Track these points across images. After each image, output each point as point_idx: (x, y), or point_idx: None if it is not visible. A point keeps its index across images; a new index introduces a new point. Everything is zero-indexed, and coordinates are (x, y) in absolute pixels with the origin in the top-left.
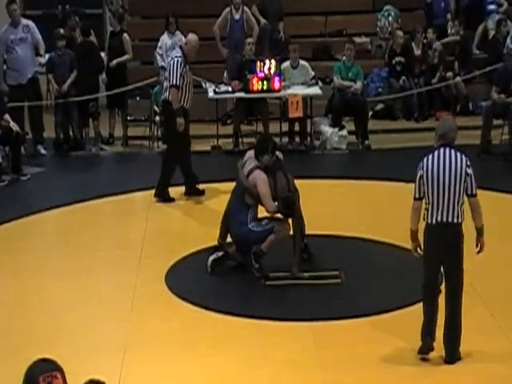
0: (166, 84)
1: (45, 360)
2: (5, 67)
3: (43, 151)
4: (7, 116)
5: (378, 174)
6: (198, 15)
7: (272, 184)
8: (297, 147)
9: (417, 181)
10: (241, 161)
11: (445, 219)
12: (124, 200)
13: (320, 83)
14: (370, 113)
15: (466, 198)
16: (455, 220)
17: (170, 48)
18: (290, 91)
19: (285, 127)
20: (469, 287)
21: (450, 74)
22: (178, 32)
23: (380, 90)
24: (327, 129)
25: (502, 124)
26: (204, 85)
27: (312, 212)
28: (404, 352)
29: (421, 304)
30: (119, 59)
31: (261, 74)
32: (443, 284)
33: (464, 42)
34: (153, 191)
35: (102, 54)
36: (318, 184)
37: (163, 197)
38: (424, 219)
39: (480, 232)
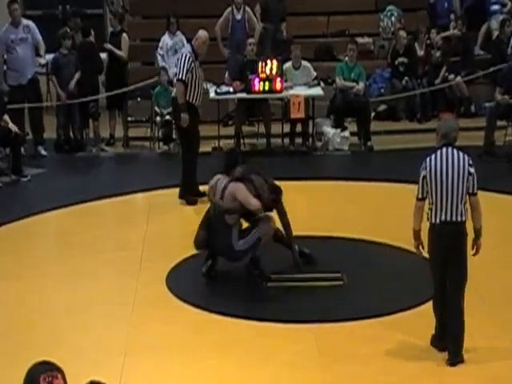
0: (175, 81)
1: (45, 362)
2: (5, 67)
3: (44, 152)
4: (6, 117)
5: (381, 176)
6: (199, 15)
7: (250, 187)
8: (299, 148)
9: (420, 181)
10: (210, 190)
11: (449, 218)
12: (125, 201)
13: (322, 84)
14: (373, 114)
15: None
16: (459, 218)
17: (171, 48)
18: (291, 92)
19: (286, 128)
20: (470, 289)
21: (451, 76)
22: (178, 32)
23: (382, 90)
24: (329, 130)
25: (506, 125)
26: (205, 85)
27: (314, 213)
28: (406, 353)
29: (425, 306)
30: (114, 49)
31: (262, 75)
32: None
33: (465, 41)
34: (154, 192)
35: (103, 55)
36: (319, 185)
37: (186, 198)
38: (427, 219)
39: (478, 233)
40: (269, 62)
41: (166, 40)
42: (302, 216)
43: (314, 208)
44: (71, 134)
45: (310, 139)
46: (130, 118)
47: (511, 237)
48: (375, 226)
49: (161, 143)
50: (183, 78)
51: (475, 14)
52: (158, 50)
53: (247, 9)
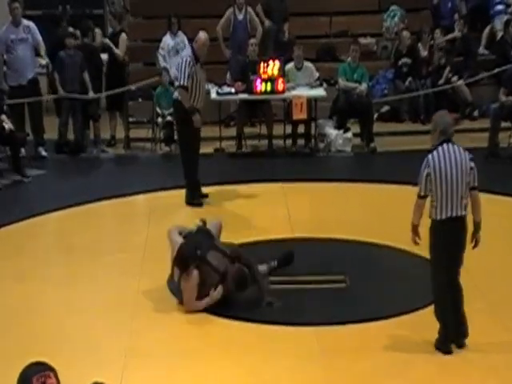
0: (176, 84)
1: (37, 363)
2: (5, 68)
3: (44, 153)
4: (3, 116)
5: (384, 177)
6: (200, 15)
7: (204, 277)
8: (301, 150)
9: (423, 179)
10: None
11: (454, 213)
12: (126, 203)
13: (324, 85)
14: (376, 115)
15: None
16: (463, 213)
17: (173, 49)
18: (294, 93)
19: (288, 129)
20: (474, 289)
21: (454, 78)
22: (180, 33)
23: (386, 91)
24: (332, 131)
25: (511, 126)
26: (207, 86)
27: (316, 215)
28: (410, 355)
29: (427, 309)
30: (112, 46)
31: (264, 76)
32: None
33: (466, 42)
34: (155, 194)
35: (104, 56)
36: (322, 187)
37: (191, 202)
38: (430, 217)
39: (478, 227)
40: (271, 62)
41: (168, 40)
42: (304, 218)
43: (317, 210)
44: (72, 135)
45: (313, 140)
46: (131, 119)
47: None
48: (378, 227)
49: (162, 144)
50: (185, 83)
51: (479, 14)
52: (160, 50)
53: (249, 9)
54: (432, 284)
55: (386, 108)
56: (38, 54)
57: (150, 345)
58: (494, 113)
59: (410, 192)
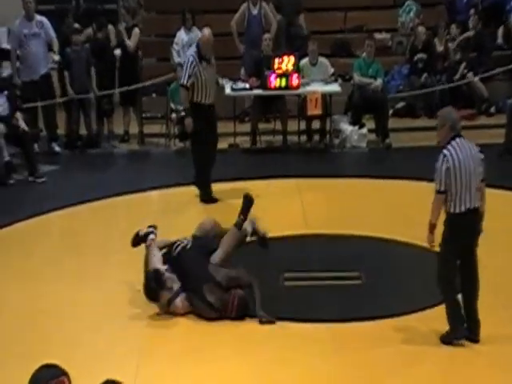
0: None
1: (49, 366)
2: (18, 63)
3: (57, 149)
4: (18, 114)
5: (399, 173)
6: (214, 10)
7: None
8: (316, 146)
9: (443, 174)
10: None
11: (472, 205)
12: (139, 199)
13: (339, 80)
14: (391, 111)
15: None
16: (478, 204)
17: (187, 44)
18: (308, 88)
19: (303, 125)
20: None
21: (469, 74)
22: (194, 28)
23: (401, 87)
24: (347, 127)
25: None
26: (221, 81)
27: (331, 212)
28: (426, 352)
29: (442, 306)
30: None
31: (279, 71)
32: None
33: (480, 38)
34: (169, 190)
35: (117, 51)
36: (337, 183)
37: (203, 198)
38: (446, 211)
39: (482, 216)
40: (285, 57)
41: (182, 36)
42: (319, 214)
43: (331, 206)
44: (84, 130)
45: (328, 136)
46: (144, 115)
47: None
48: (393, 224)
49: (176, 140)
50: (185, 83)
51: (495, 10)
52: (174, 45)
53: (263, 4)
54: (441, 278)
55: (401, 104)
56: (50, 50)
57: (163, 341)
58: (510, 108)
59: (425, 188)
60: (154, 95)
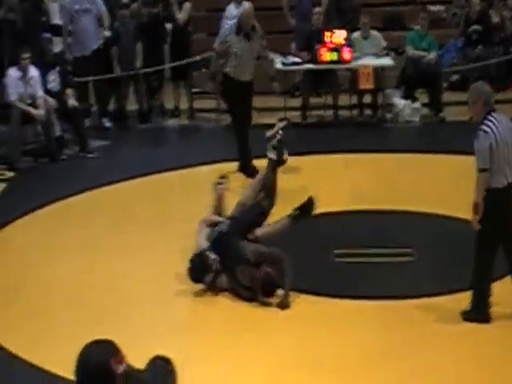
0: None
1: (102, 342)
2: (70, 39)
3: (108, 124)
4: (69, 91)
5: (453, 148)
6: None
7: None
8: (367, 120)
9: (486, 151)
10: None
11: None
12: (189, 174)
13: (392, 54)
14: (445, 84)
15: None
16: None
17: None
18: (360, 62)
19: (355, 99)
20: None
21: None
22: (244, 2)
23: (455, 60)
24: (399, 101)
25: None
26: (271, 56)
27: (383, 187)
28: (479, 331)
29: (498, 282)
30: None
31: (330, 45)
32: None
33: None
34: (219, 165)
35: (168, 26)
36: (389, 158)
37: (244, 171)
38: (491, 187)
39: None
40: (336, 31)
41: (232, 10)
42: (371, 190)
43: (383, 181)
44: (136, 105)
45: (380, 111)
46: (195, 90)
47: None
48: (447, 199)
49: (227, 115)
50: (215, 46)
51: None
52: (224, 20)
53: None
54: (479, 255)
55: (455, 77)
56: (101, 25)
57: (211, 316)
58: None
59: None
60: (204, 70)
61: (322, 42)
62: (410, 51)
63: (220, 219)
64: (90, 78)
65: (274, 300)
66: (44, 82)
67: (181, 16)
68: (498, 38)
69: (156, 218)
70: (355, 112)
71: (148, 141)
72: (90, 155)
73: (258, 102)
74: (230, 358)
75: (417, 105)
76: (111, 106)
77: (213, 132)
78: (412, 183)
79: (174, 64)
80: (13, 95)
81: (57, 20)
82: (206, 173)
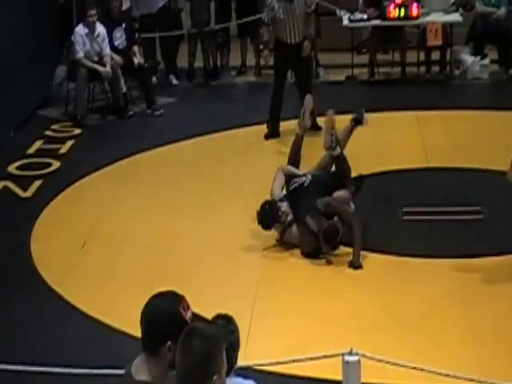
0: None
1: (166, 292)
2: None
3: (175, 81)
4: (135, 48)
5: None
6: None
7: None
8: (435, 77)
9: None
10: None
11: None
12: (256, 131)
13: (460, 9)
14: None
15: None
16: None
17: None
18: (428, 18)
19: (422, 56)
20: None
21: None
22: None
23: None
24: (468, 57)
25: None
26: (338, 13)
27: (452, 144)
28: None
29: None
30: None
31: (398, 1)
32: None
33: None
34: (285, 122)
35: None
36: (458, 115)
37: (266, 134)
38: None
39: None
40: None
41: None
42: (439, 147)
43: (452, 139)
44: (202, 63)
45: (448, 67)
46: (261, 47)
47: None
48: None
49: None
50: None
51: None
52: None
53: None
54: None
55: None
56: None
57: (281, 273)
58: None
59: None
60: (270, 28)
61: None
62: (480, 7)
63: (298, 172)
64: (157, 35)
65: (343, 258)
66: (110, 39)
67: None
68: None
69: (223, 177)
70: (423, 69)
71: (214, 98)
72: (156, 112)
73: (324, 58)
74: (299, 313)
75: (486, 61)
76: (180, 63)
77: None
78: (481, 140)
79: (240, 21)
80: (80, 52)
81: None
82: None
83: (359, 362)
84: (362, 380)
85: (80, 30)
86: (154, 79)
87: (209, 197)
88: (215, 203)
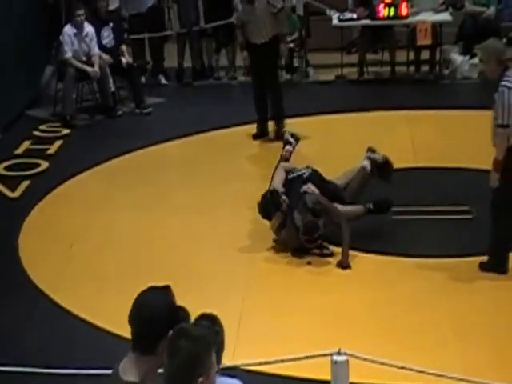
0: None
1: (156, 287)
2: None
3: (164, 81)
4: (124, 47)
5: None
6: None
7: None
8: (425, 76)
9: (511, 107)
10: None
11: None
12: (247, 131)
13: (450, 9)
14: (504, 39)
15: None
16: None
17: None
18: (418, 18)
19: (412, 55)
20: None
21: None
22: None
23: None
24: (457, 57)
25: None
26: (328, 12)
27: (441, 144)
28: None
29: None
30: None
31: (387, 0)
32: None
33: None
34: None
35: None
36: (447, 115)
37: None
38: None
39: None
40: None
41: None
42: (429, 147)
43: (441, 138)
44: (191, 63)
45: (437, 67)
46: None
47: None
48: None
49: (283, 72)
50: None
51: None
52: None
53: None
54: (497, 213)
55: None
56: None
57: (268, 276)
58: None
59: None
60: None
61: None
62: (469, 6)
63: (299, 167)
64: (146, 36)
65: (332, 258)
66: (98, 38)
67: None
68: None
69: (214, 177)
70: (412, 68)
71: (204, 98)
72: (145, 111)
73: (314, 58)
74: (287, 313)
75: (475, 61)
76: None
77: None
78: (470, 140)
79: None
80: (68, 52)
81: None
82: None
83: (347, 361)
84: (351, 380)
85: (68, 30)
86: (143, 79)
87: (197, 197)
88: (204, 203)
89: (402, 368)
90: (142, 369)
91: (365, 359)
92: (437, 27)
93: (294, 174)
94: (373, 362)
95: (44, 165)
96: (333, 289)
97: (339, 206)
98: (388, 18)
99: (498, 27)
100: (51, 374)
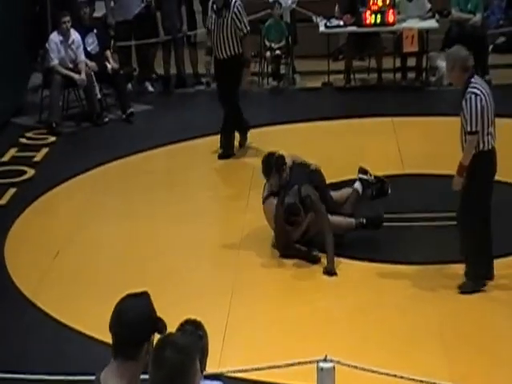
0: None
1: (136, 294)
2: (112, 3)
3: (151, 88)
4: (108, 52)
5: (499, 111)
6: None
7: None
8: (411, 83)
9: (478, 114)
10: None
11: (495, 142)
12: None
13: (437, 16)
14: (491, 47)
15: None
16: None
17: None
18: (404, 25)
19: (399, 62)
20: None
21: None
22: None
23: (501, 22)
24: (444, 64)
25: None
26: (315, 19)
27: (428, 151)
28: None
29: None
30: None
31: (374, 7)
32: None
33: None
34: (263, 129)
35: None
36: (434, 122)
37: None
38: (480, 149)
39: None
40: None
41: None
42: (416, 153)
43: (428, 145)
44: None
45: (424, 74)
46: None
47: None
48: None
49: (270, 79)
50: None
51: None
52: None
53: None
54: (469, 219)
55: (501, 39)
56: None
57: (255, 283)
58: None
59: None
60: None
61: (365, 5)
62: (455, 13)
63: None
64: (133, 43)
65: (318, 265)
66: (83, 45)
67: None
68: None
69: (198, 184)
70: (399, 75)
71: (190, 105)
72: (131, 118)
73: (301, 65)
74: (274, 320)
75: None
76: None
77: (256, 96)
78: (457, 147)
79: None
80: (54, 60)
81: None
82: (250, 137)
83: (334, 368)
84: None
85: (54, 37)
86: (129, 86)
87: (182, 205)
88: (189, 211)
89: (388, 374)
90: (124, 376)
91: (351, 366)
92: (423, 34)
93: (303, 162)
94: (359, 368)
95: (30, 172)
96: (319, 296)
97: (328, 215)
98: (375, 24)
99: (484, 34)
100: (37, 381)
